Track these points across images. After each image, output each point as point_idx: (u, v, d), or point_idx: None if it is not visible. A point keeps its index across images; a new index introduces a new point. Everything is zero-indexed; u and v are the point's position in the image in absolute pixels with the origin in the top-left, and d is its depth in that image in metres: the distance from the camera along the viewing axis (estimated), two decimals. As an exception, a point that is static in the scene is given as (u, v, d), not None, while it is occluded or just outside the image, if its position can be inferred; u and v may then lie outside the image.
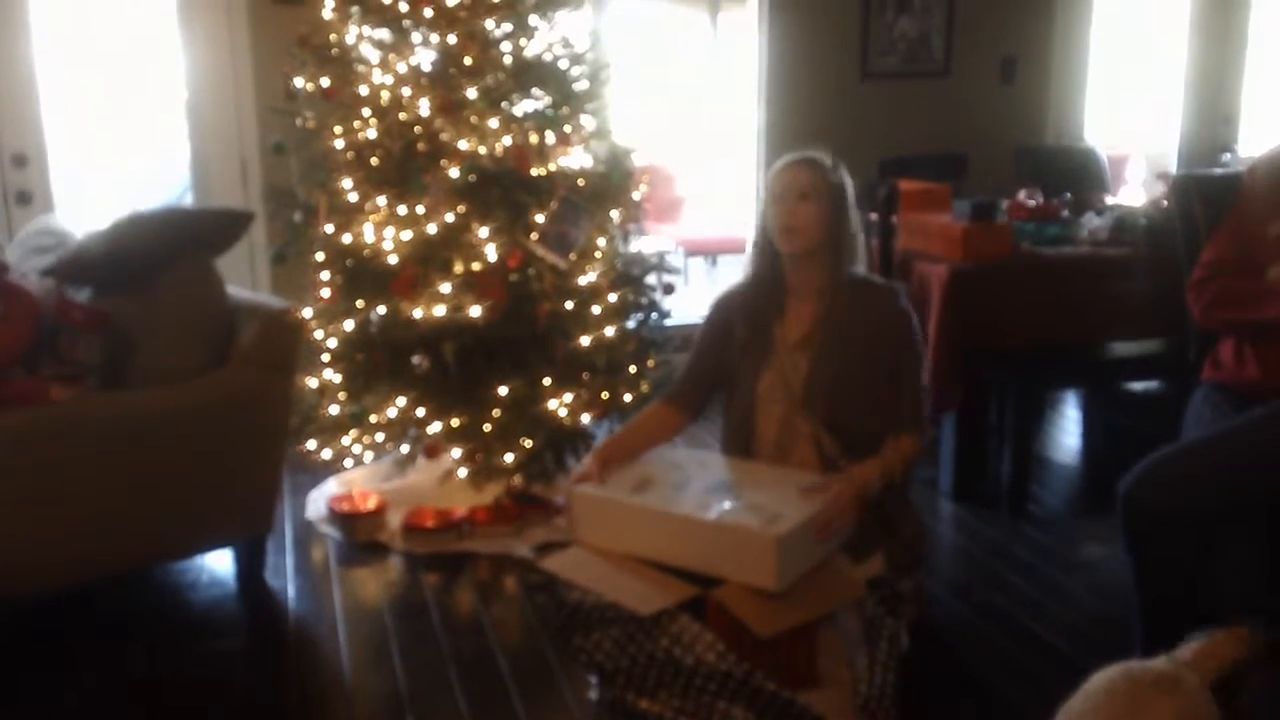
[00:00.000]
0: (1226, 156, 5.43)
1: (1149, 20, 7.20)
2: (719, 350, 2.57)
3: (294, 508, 3.75)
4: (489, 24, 3.54)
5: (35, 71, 4.22)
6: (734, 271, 5.80)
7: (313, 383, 3.65)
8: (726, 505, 2.21)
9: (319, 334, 3.63)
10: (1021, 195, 4.12)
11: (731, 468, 2.45)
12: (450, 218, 3.43)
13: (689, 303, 4.75)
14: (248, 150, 4.51)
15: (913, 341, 2.47)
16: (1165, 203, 3.91)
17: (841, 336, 2.41)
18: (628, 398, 3.76)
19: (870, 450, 2.39)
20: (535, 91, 3.63)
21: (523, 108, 3.62)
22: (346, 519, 3.53)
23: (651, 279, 3.94)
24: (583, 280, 3.58)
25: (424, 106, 3.47)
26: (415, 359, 3.46)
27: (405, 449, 3.70)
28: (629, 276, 3.84)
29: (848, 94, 5.40)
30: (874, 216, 3.75)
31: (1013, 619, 2.98)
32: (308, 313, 3.54)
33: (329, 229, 3.57)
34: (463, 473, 3.57)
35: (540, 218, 3.47)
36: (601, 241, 3.69)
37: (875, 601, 2.23)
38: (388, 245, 3.46)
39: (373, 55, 3.60)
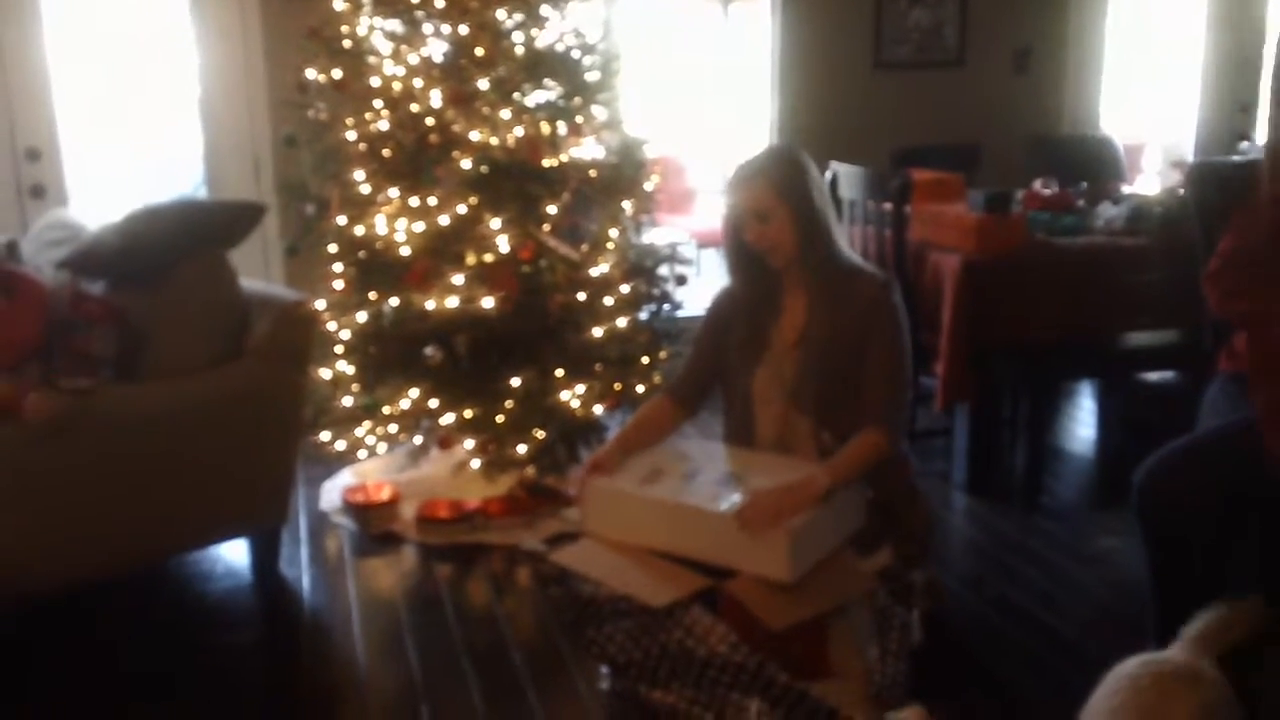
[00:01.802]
0: (1244, 145, 5.39)
1: (1165, 8, 7.15)
2: (717, 347, 2.56)
3: (308, 499, 3.76)
4: (500, 15, 3.53)
5: (48, 66, 4.24)
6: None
7: (326, 375, 3.66)
8: (737, 497, 2.21)
9: (332, 326, 3.64)
10: (1036, 185, 4.10)
11: (740, 459, 2.45)
12: (462, 209, 3.43)
13: (701, 294, 4.74)
14: (260, 143, 4.52)
15: (891, 336, 2.38)
16: (1181, 192, 3.88)
17: (829, 331, 2.38)
18: (640, 389, 3.76)
19: None
20: (547, 82, 3.62)
21: (534, 99, 3.62)
22: (360, 510, 3.54)
23: (664, 270, 3.94)
24: (595, 272, 3.58)
25: (436, 98, 3.47)
26: (428, 351, 3.47)
27: (418, 440, 3.70)
28: (641, 268, 3.84)
29: (861, 84, 5.38)
30: (887, 206, 3.74)
31: (1026, 611, 2.97)
32: (321, 305, 3.55)
33: (341, 221, 3.57)
34: (476, 464, 3.58)
35: (552, 209, 3.47)
36: (614, 233, 3.68)
37: (885, 592, 2.23)
38: (400, 237, 3.46)
39: (384, 47, 3.60)
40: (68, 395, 2.75)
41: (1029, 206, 3.94)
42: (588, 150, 3.67)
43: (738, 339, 2.51)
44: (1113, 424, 4.44)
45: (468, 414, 3.52)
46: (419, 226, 3.45)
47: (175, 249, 3.08)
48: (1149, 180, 7.05)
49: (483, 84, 3.45)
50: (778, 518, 2.12)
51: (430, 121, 3.51)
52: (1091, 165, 5.03)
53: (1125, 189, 4.42)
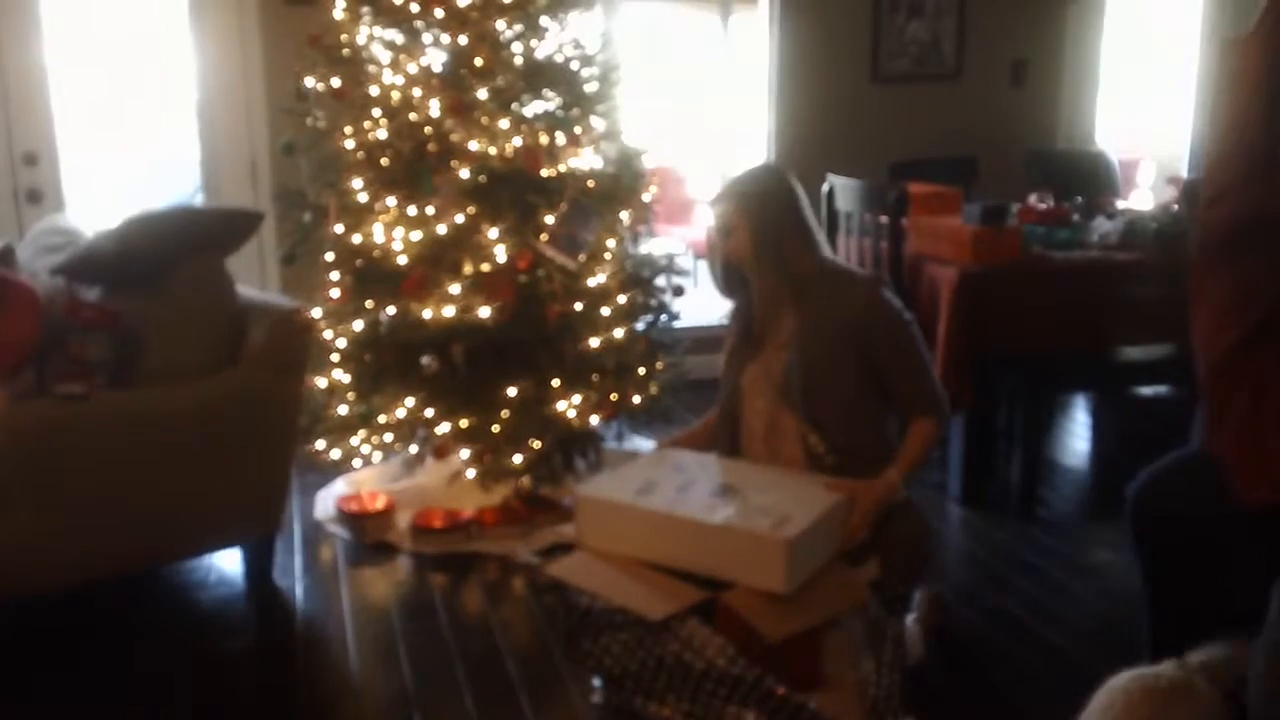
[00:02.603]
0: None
1: (1160, 23, 7.18)
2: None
3: (303, 507, 3.76)
4: (500, 25, 3.54)
5: (46, 70, 4.23)
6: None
7: (322, 383, 3.66)
8: (732, 508, 2.21)
9: (328, 334, 3.64)
10: (1032, 199, 4.11)
11: (735, 470, 2.45)
12: (460, 219, 3.44)
13: (698, 305, 4.75)
14: (258, 150, 4.52)
15: (898, 330, 2.48)
16: (1176, 207, 3.89)
17: (819, 331, 2.45)
18: (636, 399, 3.76)
19: (852, 445, 2.44)
20: (546, 93, 3.63)
21: (533, 109, 3.63)
22: (355, 519, 3.53)
23: (661, 281, 3.94)
24: (592, 282, 3.58)
25: (434, 107, 3.47)
26: (424, 359, 3.47)
27: (414, 449, 3.70)
28: (638, 278, 3.85)
29: (858, 97, 5.39)
30: (884, 219, 3.75)
31: (1021, 623, 2.97)
32: (317, 313, 3.55)
33: (339, 229, 3.57)
34: (471, 473, 3.58)
35: (550, 219, 3.48)
36: (611, 243, 3.69)
37: (878, 604, 2.23)
38: (397, 246, 3.46)
39: (384, 56, 3.61)
40: (60, 401, 2.76)
41: (1024, 220, 3.95)
42: (586, 160, 3.68)
43: (733, 339, 2.62)
44: (1107, 437, 4.45)
45: (463, 423, 3.51)
46: (416, 235, 3.45)
47: (172, 256, 3.08)
48: (1144, 195, 7.08)
49: (481, 94, 3.46)
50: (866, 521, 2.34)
51: (429, 131, 3.51)
52: (1087, 180, 5.04)
53: (1120, 204, 4.44)
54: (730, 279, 2.58)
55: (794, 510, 2.17)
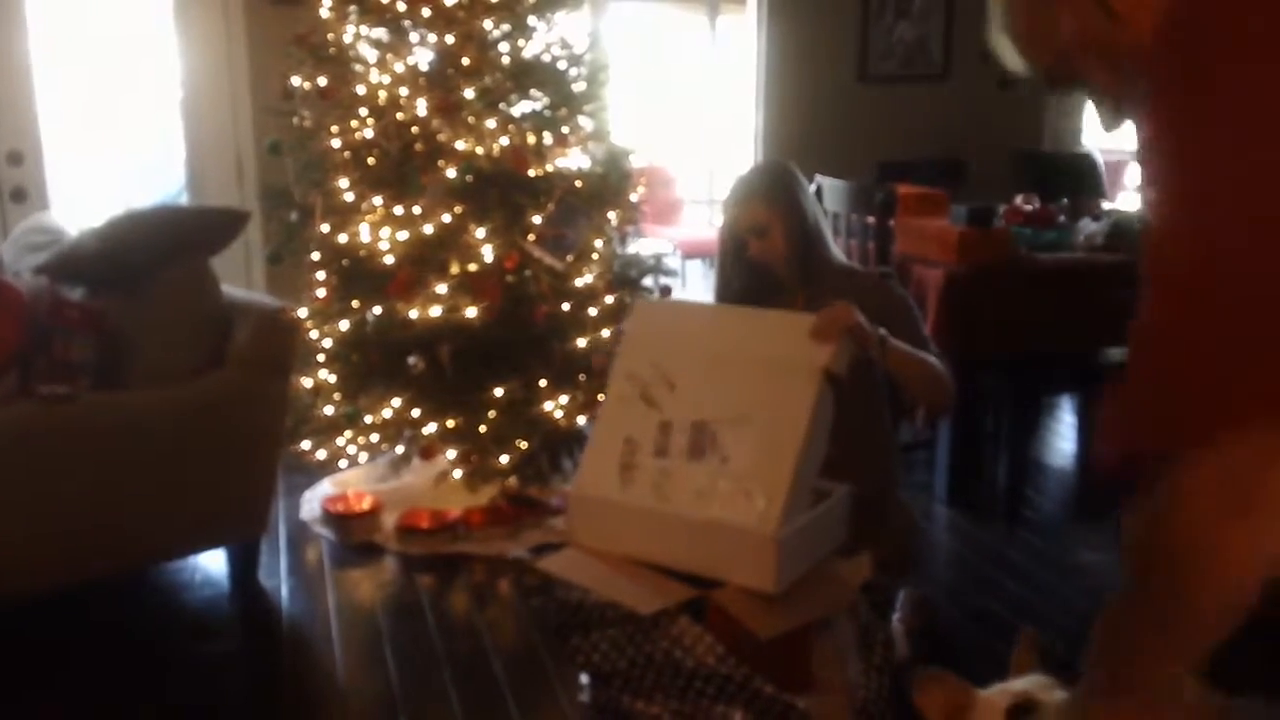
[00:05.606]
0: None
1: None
2: None
3: (288, 508, 3.74)
4: (487, 24, 3.54)
5: (31, 69, 4.21)
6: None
7: (308, 383, 3.64)
8: (714, 480, 2.15)
9: (314, 334, 3.62)
10: (1018, 200, 4.12)
11: (705, 390, 2.25)
12: (447, 218, 3.43)
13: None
14: (244, 149, 4.50)
15: (913, 324, 2.56)
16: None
17: None
18: (624, 400, 3.75)
19: (855, 435, 2.42)
20: (533, 92, 3.63)
21: (521, 108, 3.62)
22: (341, 520, 3.52)
23: (649, 281, 3.94)
24: (580, 282, 3.58)
25: (421, 107, 3.46)
26: (411, 360, 3.46)
27: (400, 450, 3.69)
28: (626, 278, 3.84)
29: (846, 97, 5.40)
30: (871, 220, 3.75)
31: (1007, 623, 2.97)
32: (303, 313, 3.53)
33: (325, 229, 3.56)
34: (458, 474, 3.57)
35: (538, 219, 3.47)
36: (599, 243, 3.68)
37: (868, 606, 2.23)
38: (384, 246, 3.45)
39: (370, 55, 3.60)
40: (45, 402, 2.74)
41: (1011, 221, 3.96)
42: (574, 160, 3.67)
43: None
44: (1094, 438, 4.46)
45: (450, 424, 3.51)
46: (403, 235, 3.44)
47: (157, 255, 3.07)
48: (1130, 197, 7.09)
49: (469, 93, 3.45)
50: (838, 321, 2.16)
51: (415, 130, 3.50)
52: (1073, 181, 5.06)
53: (1106, 205, 4.45)
54: (750, 277, 2.61)
55: (771, 471, 2.09)
